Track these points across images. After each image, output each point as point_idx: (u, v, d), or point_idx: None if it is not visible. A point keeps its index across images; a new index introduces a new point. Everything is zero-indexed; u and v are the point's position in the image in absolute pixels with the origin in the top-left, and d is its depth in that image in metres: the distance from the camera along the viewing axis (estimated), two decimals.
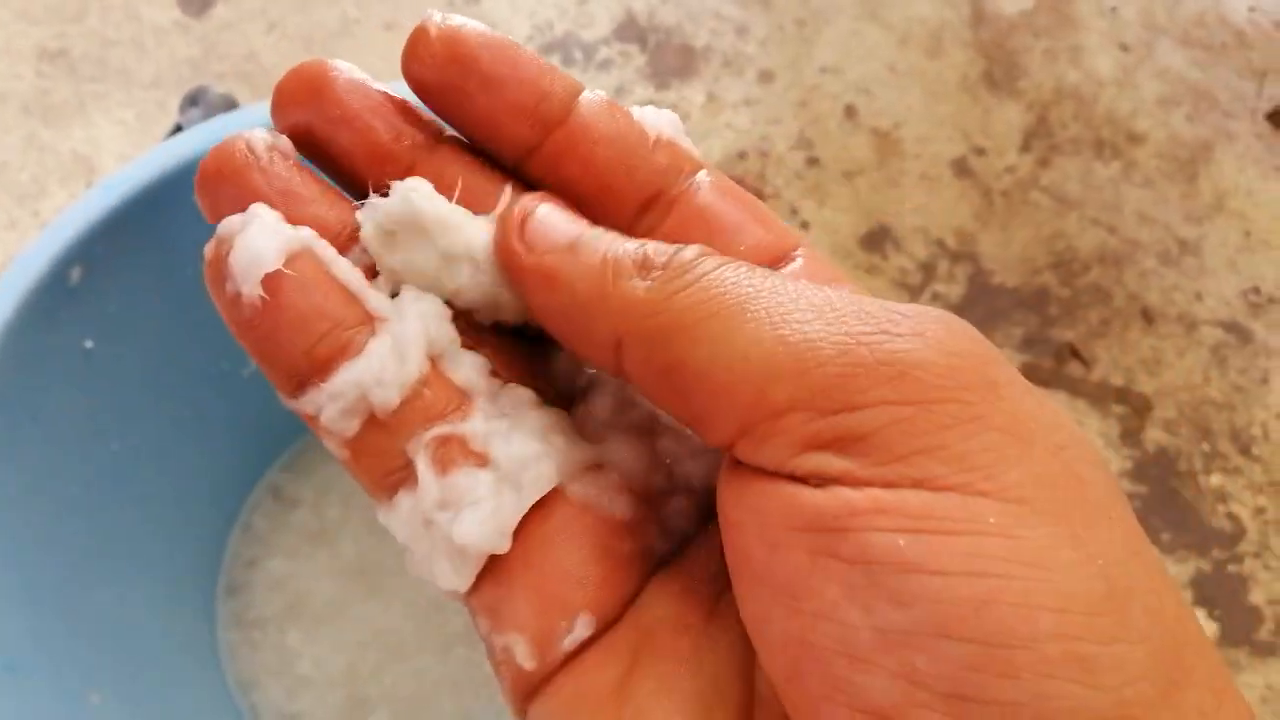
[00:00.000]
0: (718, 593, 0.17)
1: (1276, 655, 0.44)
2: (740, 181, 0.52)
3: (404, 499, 0.17)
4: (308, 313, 0.17)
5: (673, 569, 0.18)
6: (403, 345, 0.17)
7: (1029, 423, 0.14)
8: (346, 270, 0.18)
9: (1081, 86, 0.56)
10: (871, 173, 0.53)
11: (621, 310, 0.16)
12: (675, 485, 0.18)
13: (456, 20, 0.18)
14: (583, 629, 0.17)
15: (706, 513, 0.18)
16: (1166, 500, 0.46)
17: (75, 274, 0.31)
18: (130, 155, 0.51)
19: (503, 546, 0.17)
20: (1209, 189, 0.53)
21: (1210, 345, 0.49)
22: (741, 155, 0.53)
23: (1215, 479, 0.47)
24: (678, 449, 0.18)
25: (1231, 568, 0.45)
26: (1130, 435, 0.48)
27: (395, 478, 0.17)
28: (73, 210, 0.31)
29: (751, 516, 0.15)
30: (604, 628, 0.17)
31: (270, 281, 0.17)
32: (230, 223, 0.17)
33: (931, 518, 0.13)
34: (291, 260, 0.17)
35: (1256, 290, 0.51)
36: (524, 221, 0.17)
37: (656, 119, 0.19)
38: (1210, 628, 0.44)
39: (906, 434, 0.14)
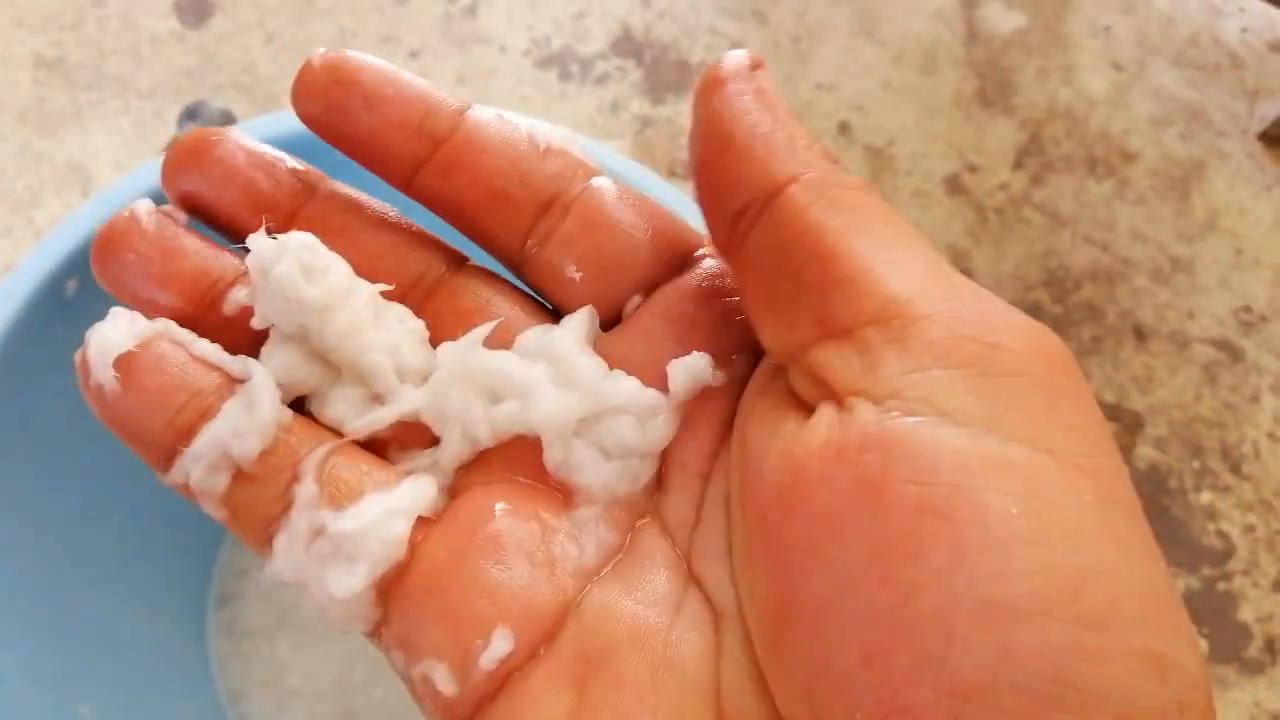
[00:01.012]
0: (674, 608, 0.16)
1: (1265, 673, 0.44)
2: None
3: (282, 535, 0.17)
4: (165, 386, 0.17)
5: (614, 585, 0.17)
6: (253, 395, 0.18)
7: (1099, 414, 0.14)
8: (204, 346, 0.18)
9: (1074, 105, 0.56)
10: None
11: (790, 162, 0.16)
12: (573, 492, 0.18)
13: (337, 51, 0.18)
14: (501, 643, 0.16)
15: (618, 522, 0.18)
16: (1157, 517, 0.47)
17: (71, 286, 0.31)
18: (126, 164, 0.51)
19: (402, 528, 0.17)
20: (1201, 207, 0.54)
21: (1202, 363, 0.50)
22: None
23: (1205, 497, 0.47)
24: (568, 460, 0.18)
25: (1221, 585, 0.45)
26: (1121, 452, 0.48)
27: (273, 528, 0.17)
28: (69, 222, 0.31)
29: (843, 464, 0.14)
30: (535, 646, 0.16)
31: (122, 362, 0.17)
32: (93, 328, 0.18)
33: (1042, 484, 0.13)
34: (145, 344, 0.18)
35: (1248, 309, 0.51)
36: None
37: (548, 130, 0.19)
38: (1199, 645, 0.44)
39: (1028, 390, 0.13)
